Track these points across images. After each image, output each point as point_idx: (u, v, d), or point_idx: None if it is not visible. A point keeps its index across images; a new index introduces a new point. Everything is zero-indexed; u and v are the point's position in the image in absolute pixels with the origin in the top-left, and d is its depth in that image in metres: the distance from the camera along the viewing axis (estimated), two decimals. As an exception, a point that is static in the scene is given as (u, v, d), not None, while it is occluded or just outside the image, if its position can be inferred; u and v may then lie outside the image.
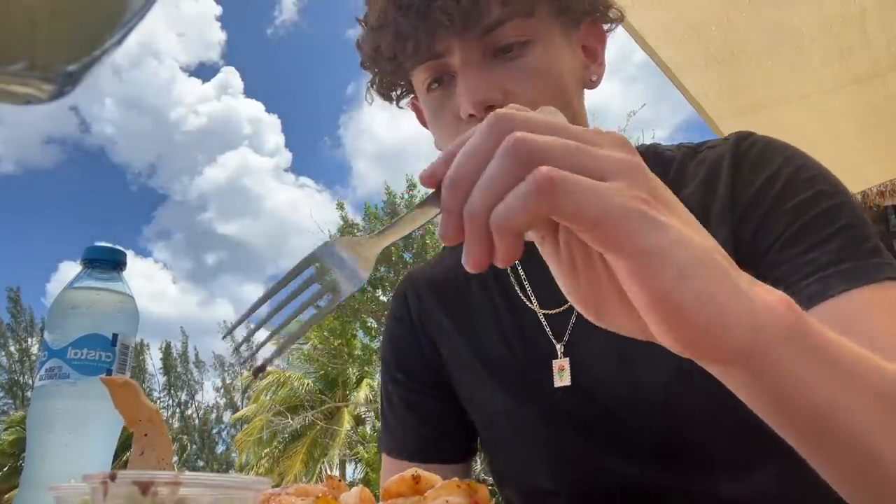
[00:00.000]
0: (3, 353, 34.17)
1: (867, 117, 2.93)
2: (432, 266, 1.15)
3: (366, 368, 18.34)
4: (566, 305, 0.93)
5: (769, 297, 0.46)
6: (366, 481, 16.04)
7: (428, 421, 1.07)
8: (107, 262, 0.82)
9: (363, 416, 18.45)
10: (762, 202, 0.83)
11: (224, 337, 0.58)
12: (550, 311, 0.95)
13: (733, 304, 0.44)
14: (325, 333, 17.78)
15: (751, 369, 0.46)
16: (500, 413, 0.97)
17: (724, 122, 2.93)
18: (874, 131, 3.04)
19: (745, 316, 0.44)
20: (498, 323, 0.99)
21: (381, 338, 1.10)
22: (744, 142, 0.92)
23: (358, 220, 18.91)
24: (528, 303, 0.98)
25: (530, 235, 0.50)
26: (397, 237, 0.49)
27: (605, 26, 0.98)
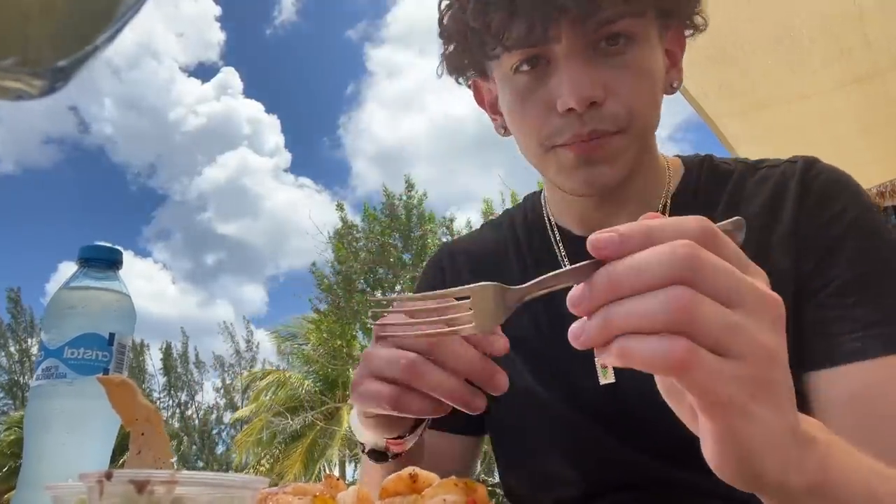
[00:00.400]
0: (3, 354, 34.16)
1: (867, 117, 2.93)
2: (471, 240, 1.16)
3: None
4: None
5: (808, 464, 0.51)
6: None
7: None
8: (103, 262, 0.82)
9: (363, 417, 18.42)
10: (825, 240, 0.86)
11: (370, 315, 0.67)
12: None
13: (776, 479, 0.50)
14: (325, 335, 17.79)
15: None
16: (526, 398, 0.97)
17: (723, 122, 2.93)
18: (874, 131, 3.04)
19: (778, 486, 0.50)
20: (530, 307, 0.99)
21: None
22: (811, 170, 0.93)
23: (357, 220, 18.89)
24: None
25: None
26: (541, 293, 0.53)
27: (687, 32, 0.98)
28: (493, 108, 1.03)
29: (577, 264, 0.50)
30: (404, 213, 18.10)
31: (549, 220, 1.06)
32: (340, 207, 18.82)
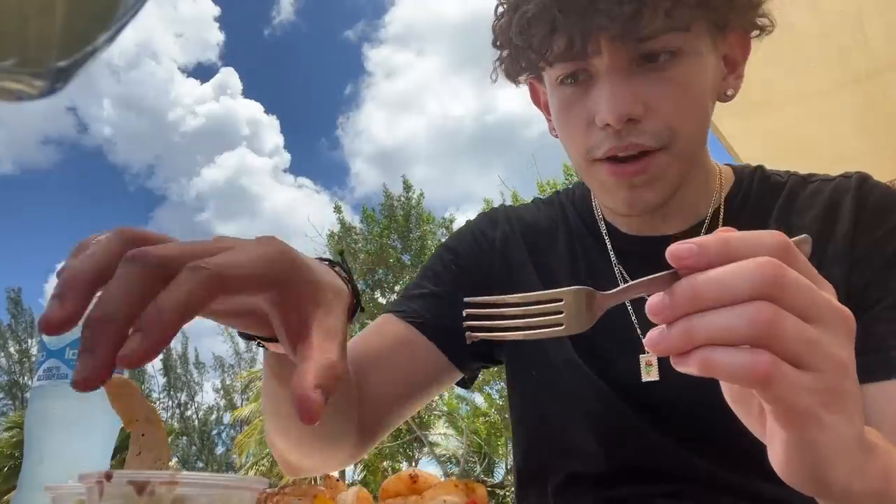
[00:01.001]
0: (3, 355, 34.16)
1: (866, 117, 2.93)
2: (526, 210, 1.15)
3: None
4: None
5: (871, 471, 0.53)
6: (364, 483, 16.03)
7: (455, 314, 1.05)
8: (104, 263, 0.82)
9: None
10: (881, 254, 0.87)
11: (465, 314, 0.58)
12: (642, 306, 0.95)
13: (842, 485, 0.52)
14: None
15: None
16: (565, 367, 0.97)
17: (723, 122, 2.93)
18: (873, 131, 3.04)
19: (843, 492, 0.52)
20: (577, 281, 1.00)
21: None
22: (865, 185, 0.94)
23: (356, 221, 18.89)
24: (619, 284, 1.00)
25: None
26: (625, 299, 0.55)
27: (752, 35, 0.96)
28: (547, 110, 1.03)
29: (658, 274, 0.52)
30: (402, 213, 18.10)
31: (597, 211, 1.07)
32: (338, 209, 18.83)
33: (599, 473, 0.95)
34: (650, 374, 0.92)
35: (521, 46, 0.89)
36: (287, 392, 0.65)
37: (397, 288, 16.94)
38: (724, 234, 0.51)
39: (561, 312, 0.55)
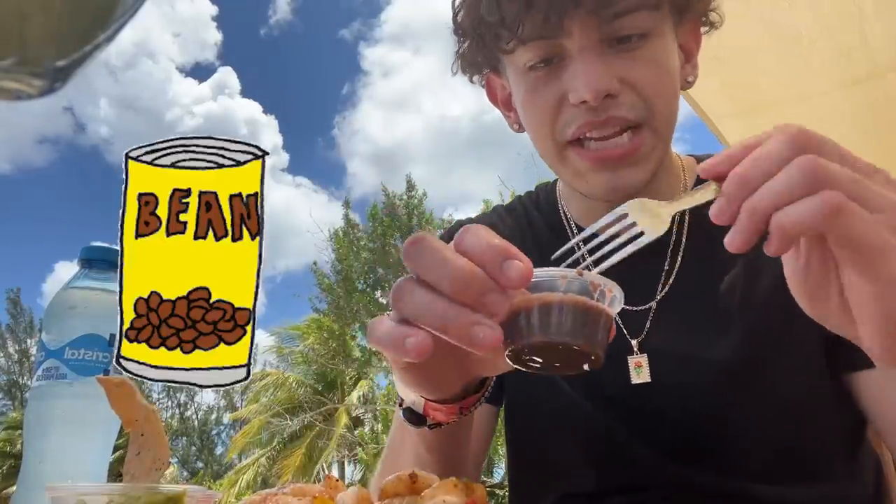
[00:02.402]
0: (2, 355, 34.14)
1: (866, 118, 2.93)
2: (487, 220, 1.13)
3: (364, 370, 18.33)
4: (645, 305, 0.95)
5: None
6: (364, 482, 16.00)
7: None
8: (104, 263, 0.82)
9: (361, 418, 18.44)
10: None
11: (557, 257, 0.64)
12: (627, 308, 0.95)
13: None
14: (325, 335, 17.78)
15: None
16: (546, 384, 0.96)
17: (723, 122, 2.93)
18: (874, 132, 3.04)
19: None
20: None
21: None
22: None
23: (358, 220, 18.88)
24: None
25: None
26: (678, 209, 0.59)
27: (703, 29, 0.99)
28: (506, 105, 1.03)
29: (697, 187, 0.58)
30: (405, 213, 18.10)
31: (566, 214, 1.06)
32: (347, 205, 18.82)
33: (591, 492, 0.94)
34: (640, 376, 0.91)
35: (492, 24, 0.88)
36: (432, 459, 0.76)
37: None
38: (739, 143, 0.56)
39: (634, 224, 0.58)
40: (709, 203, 0.56)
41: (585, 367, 0.54)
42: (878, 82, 2.72)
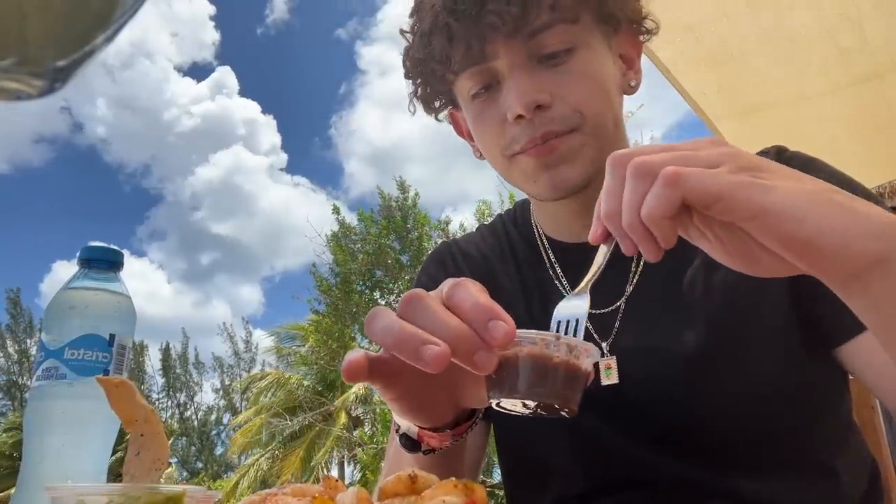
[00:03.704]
0: (2, 355, 34.14)
1: (865, 119, 2.93)
2: (469, 241, 1.18)
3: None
4: (611, 307, 0.97)
5: (885, 214, 0.55)
6: (363, 483, 16.02)
7: None
8: (104, 263, 0.82)
9: (361, 418, 18.44)
10: None
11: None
12: (595, 311, 0.97)
13: (851, 226, 0.53)
14: (324, 336, 17.78)
15: (880, 275, 0.54)
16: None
17: (722, 123, 2.93)
18: (872, 133, 3.04)
19: (862, 231, 0.53)
20: (530, 313, 1.02)
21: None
22: (783, 154, 0.96)
23: (352, 221, 18.83)
24: (563, 294, 1.00)
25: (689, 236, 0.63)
26: (591, 281, 0.66)
27: (641, 37, 1.03)
28: (469, 136, 1.08)
29: (599, 250, 0.66)
30: (400, 214, 18.08)
31: (537, 228, 1.10)
32: (337, 210, 18.79)
33: (581, 493, 0.95)
34: (609, 378, 0.93)
35: (425, 60, 0.96)
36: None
37: (395, 288, 16.92)
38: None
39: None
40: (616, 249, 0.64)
41: (564, 414, 0.59)
42: (876, 83, 2.73)
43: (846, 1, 2.41)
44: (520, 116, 0.90)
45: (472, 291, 0.56)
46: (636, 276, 0.98)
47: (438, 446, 0.75)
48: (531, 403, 0.58)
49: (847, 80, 2.72)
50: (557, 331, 0.62)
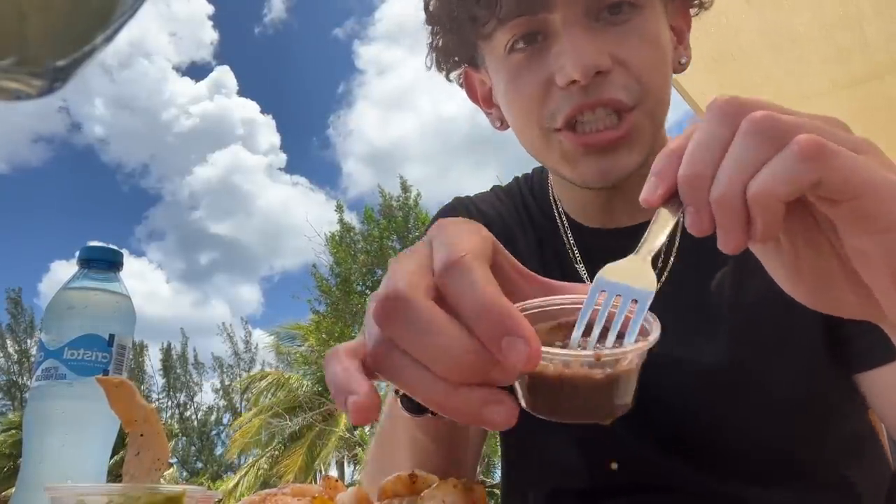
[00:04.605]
0: (2, 355, 34.14)
1: (865, 119, 2.93)
2: (485, 200, 1.07)
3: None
4: None
5: None
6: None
7: None
8: (103, 263, 0.82)
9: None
10: None
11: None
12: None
13: None
14: (324, 335, 17.78)
15: None
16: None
17: (722, 123, 2.93)
18: (872, 133, 3.03)
19: None
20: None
21: None
22: None
23: (353, 221, 18.83)
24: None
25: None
26: (652, 252, 0.46)
27: (692, 11, 0.93)
28: (486, 102, 0.96)
29: (655, 215, 0.47)
30: (401, 214, 18.08)
31: (557, 204, 0.99)
32: (340, 209, 18.79)
33: (583, 489, 0.91)
34: None
35: (469, 5, 0.81)
36: (432, 446, 0.68)
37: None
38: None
39: (619, 297, 0.44)
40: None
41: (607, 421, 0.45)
42: (876, 83, 2.73)
43: (846, 2, 2.42)
44: (573, 82, 0.76)
45: (477, 280, 0.38)
46: (665, 274, 0.90)
47: None
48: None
49: (847, 80, 2.72)
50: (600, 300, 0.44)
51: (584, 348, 0.42)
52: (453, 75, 0.97)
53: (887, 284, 0.43)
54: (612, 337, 0.43)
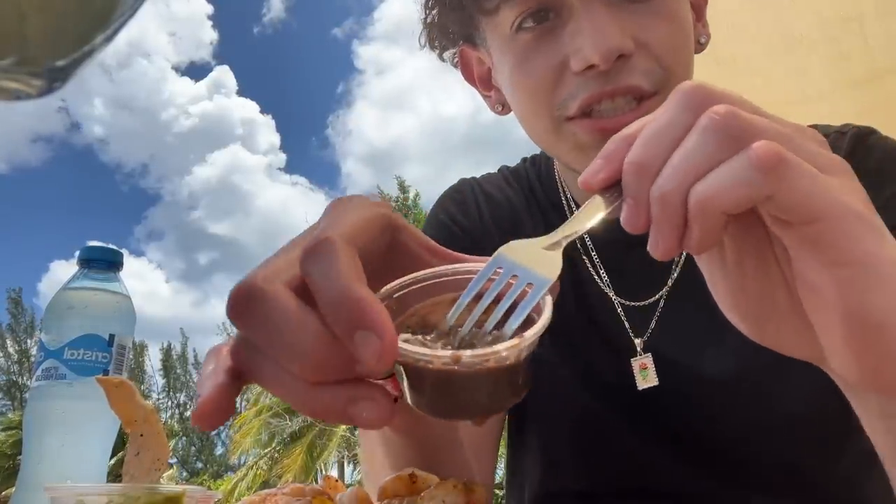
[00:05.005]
0: (2, 355, 34.13)
1: (866, 120, 2.93)
2: (493, 184, 1.01)
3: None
4: (649, 300, 0.85)
5: None
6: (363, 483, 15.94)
7: None
8: (103, 263, 0.82)
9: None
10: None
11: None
12: (629, 303, 0.86)
13: None
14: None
15: None
16: (548, 377, 0.87)
17: (723, 124, 2.93)
18: (873, 134, 3.05)
19: None
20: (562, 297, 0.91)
21: None
22: (863, 143, 0.83)
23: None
24: (602, 286, 0.88)
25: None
26: (566, 240, 0.42)
27: None
28: (485, 84, 0.88)
29: (589, 200, 0.43)
30: (402, 214, 18.10)
31: (565, 190, 0.94)
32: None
33: (581, 491, 0.88)
34: (647, 380, 0.83)
35: None
36: (401, 441, 0.60)
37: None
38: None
39: (516, 277, 0.40)
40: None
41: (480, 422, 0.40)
42: (877, 85, 2.73)
43: (846, 3, 2.42)
44: (591, 67, 0.69)
45: (335, 266, 0.34)
46: (678, 269, 0.85)
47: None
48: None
49: (848, 82, 2.72)
50: (495, 276, 0.40)
51: (460, 327, 0.39)
52: (447, 54, 0.88)
53: (834, 327, 0.39)
54: (490, 323, 0.39)
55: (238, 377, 0.36)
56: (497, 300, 0.39)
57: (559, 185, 0.94)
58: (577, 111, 0.72)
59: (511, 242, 0.41)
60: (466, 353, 0.36)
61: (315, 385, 0.34)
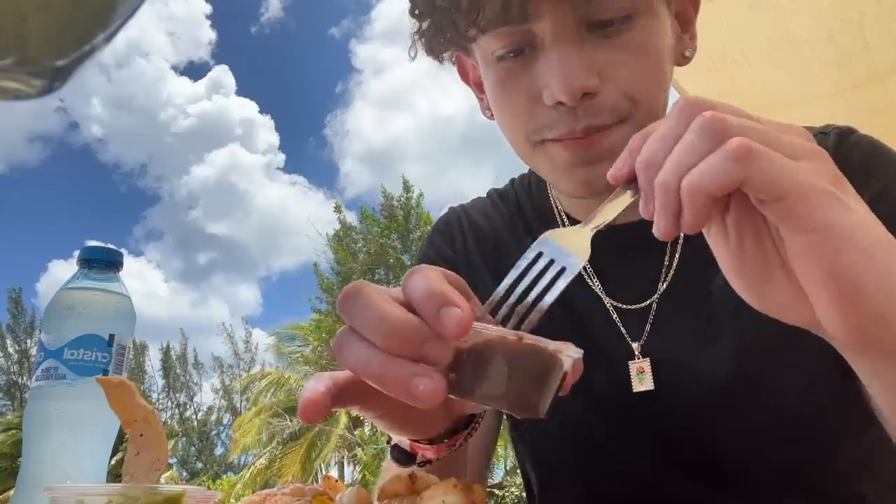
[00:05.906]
0: (2, 355, 34.14)
1: (866, 123, 2.93)
2: (480, 211, 1.04)
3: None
4: (644, 303, 0.87)
5: None
6: (364, 483, 15.95)
7: None
8: (103, 263, 0.82)
9: (362, 418, 18.41)
10: None
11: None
12: (624, 306, 0.88)
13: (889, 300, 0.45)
14: (325, 335, 17.78)
15: None
16: None
17: (723, 125, 2.93)
18: (873, 136, 3.04)
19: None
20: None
21: None
22: (844, 143, 0.86)
23: (351, 219, 18.86)
24: (597, 291, 0.90)
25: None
26: (595, 228, 0.53)
27: None
28: (479, 87, 0.91)
29: (614, 192, 0.54)
30: (402, 214, 18.09)
31: (556, 203, 0.96)
32: (339, 209, 18.80)
33: (580, 495, 0.89)
34: (643, 383, 0.83)
35: (445, 8, 0.76)
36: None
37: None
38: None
39: (553, 262, 0.51)
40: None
41: (527, 414, 0.47)
42: (878, 86, 2.73)
43: (847, 4, 2.42)
44: (560, 104, 0.74)
45: (428, 277, 0.46)
46: (671, 274, 0.87)
47: (434, 458, 0.66)
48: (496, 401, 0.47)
49: (848, 84, 2.73)
50: (530, 267, 0.51)
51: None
52: (444, 56, 0.91)
53: (819, 290, 0.47)
54: (531, 298, 0.50)
55: (335, 383, 0.52)
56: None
57: (550, 197, 0.98)
58: (551, 139, 0.78)
59: (554, 230, 0.53)
60: (526, 336, 0.46)
61: (391, 357, 0.44)
